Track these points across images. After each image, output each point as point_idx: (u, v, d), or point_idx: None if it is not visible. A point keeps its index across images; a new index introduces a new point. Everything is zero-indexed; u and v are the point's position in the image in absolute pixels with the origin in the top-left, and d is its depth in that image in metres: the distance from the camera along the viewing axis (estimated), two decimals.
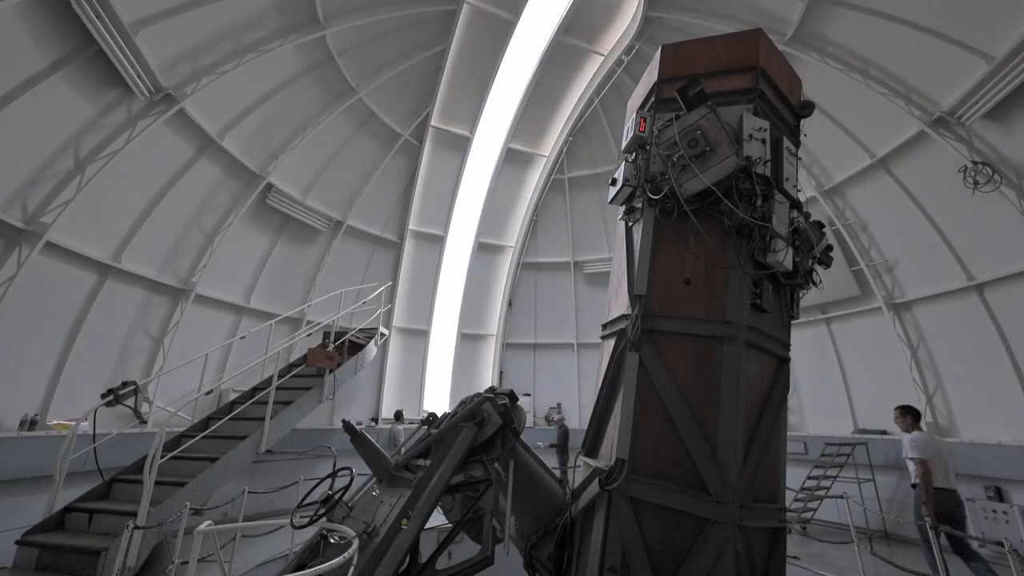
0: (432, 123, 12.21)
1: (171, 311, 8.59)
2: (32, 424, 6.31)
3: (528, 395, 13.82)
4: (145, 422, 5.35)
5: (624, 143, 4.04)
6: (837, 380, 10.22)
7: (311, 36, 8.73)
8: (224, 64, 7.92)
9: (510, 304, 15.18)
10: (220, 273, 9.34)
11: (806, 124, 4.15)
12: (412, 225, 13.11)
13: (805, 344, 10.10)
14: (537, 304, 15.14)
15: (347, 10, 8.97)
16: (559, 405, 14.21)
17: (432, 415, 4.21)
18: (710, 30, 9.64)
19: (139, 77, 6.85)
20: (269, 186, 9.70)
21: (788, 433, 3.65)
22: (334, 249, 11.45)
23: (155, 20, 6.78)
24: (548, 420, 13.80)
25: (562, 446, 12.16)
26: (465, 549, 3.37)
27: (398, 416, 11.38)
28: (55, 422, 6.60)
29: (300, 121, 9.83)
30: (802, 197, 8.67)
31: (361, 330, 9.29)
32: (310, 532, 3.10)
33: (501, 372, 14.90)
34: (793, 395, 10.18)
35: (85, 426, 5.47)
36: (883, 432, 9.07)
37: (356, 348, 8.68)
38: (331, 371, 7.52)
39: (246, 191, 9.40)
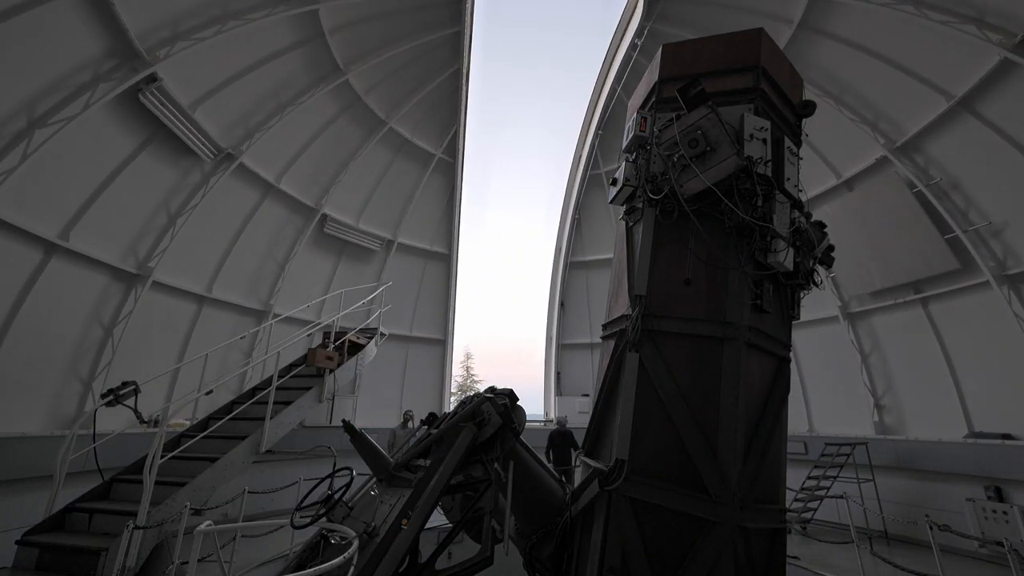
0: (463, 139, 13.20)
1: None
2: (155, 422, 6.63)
3: (586, 395, 13.41)
4: (145, 422, 5.34)
5: (625, 143, 4.03)
6: (942, 373, 8.62)
7: (337, 82, 10.06)
8: (269, 120, 9.42)
9: (562, 305, 14.96)
10: (294, 295, 10.86)
11: (809, 121, 4.14)
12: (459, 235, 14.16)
13: (896, 330, 9.30)
14: (590, 303, 14.78)
15: (361, 53, 10.23)
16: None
17: (432, 415, 4.20)
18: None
19: (203, 144, 8.33)
20: (325, 216, 11.30)
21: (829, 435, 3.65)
22: (388, 265, 12.92)
23: (207, 98, 8.22)
24: None
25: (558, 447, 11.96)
26: (465, 549, 3.37)
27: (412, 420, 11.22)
28: (173, 421, 7.31)
29: (344, 156, 11.29)
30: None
31: (361, 330, 9.27)
32: (310, 532, 3.10)
33: (558, 373, 14.70)
34: (887, 393, 9.57)
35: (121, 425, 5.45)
36: (1007, 437, 7.53)
37: (356, 348, 8.67)
38: (331, 371, 7.52)
39: (306, 223, 11.09)
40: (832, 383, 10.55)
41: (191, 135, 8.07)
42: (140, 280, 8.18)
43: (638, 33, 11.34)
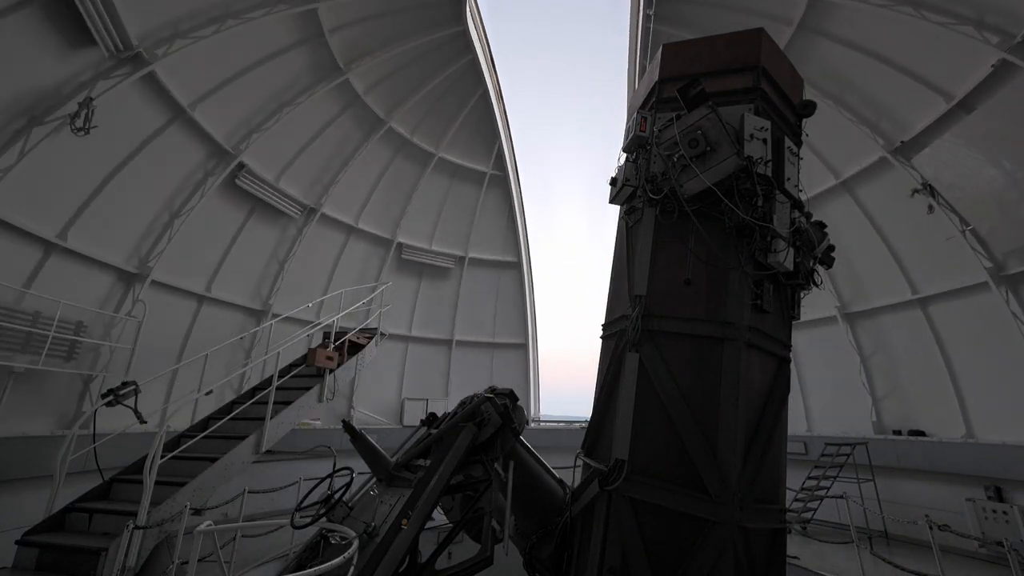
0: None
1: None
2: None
3: None
4: (145, 422, 5.34)
5: (624, 142, 4.03)
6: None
7: (382, 130, 11.51)
8: (340, 173, 11.33)
9: None
10: (388, 316, 11.71)
11: (811, 120, 4.13)
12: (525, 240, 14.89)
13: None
14: None
15: (399, 98, 11.48)
16: None
17: (432, 415, 4.19)
18: None
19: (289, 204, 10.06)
20: (400, 244, 12.92)
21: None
22: (465, 279, 14.02)
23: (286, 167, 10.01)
24: None
25: None
26: (465, 549, 3.37)
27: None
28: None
29: (407, 188, 12.78)
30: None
31: (362, 330, 9.27)
32: (310, 532, 3.10)
33: None
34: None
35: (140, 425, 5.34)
36: None
37: (357, 348, 8.67)
38: (331, 371, 7.52)
39: (387, 253, 12.80)
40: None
41: (280, 199, 10.00)
42: (140, 279, 8.18)
43: (648, 3, 10.55)
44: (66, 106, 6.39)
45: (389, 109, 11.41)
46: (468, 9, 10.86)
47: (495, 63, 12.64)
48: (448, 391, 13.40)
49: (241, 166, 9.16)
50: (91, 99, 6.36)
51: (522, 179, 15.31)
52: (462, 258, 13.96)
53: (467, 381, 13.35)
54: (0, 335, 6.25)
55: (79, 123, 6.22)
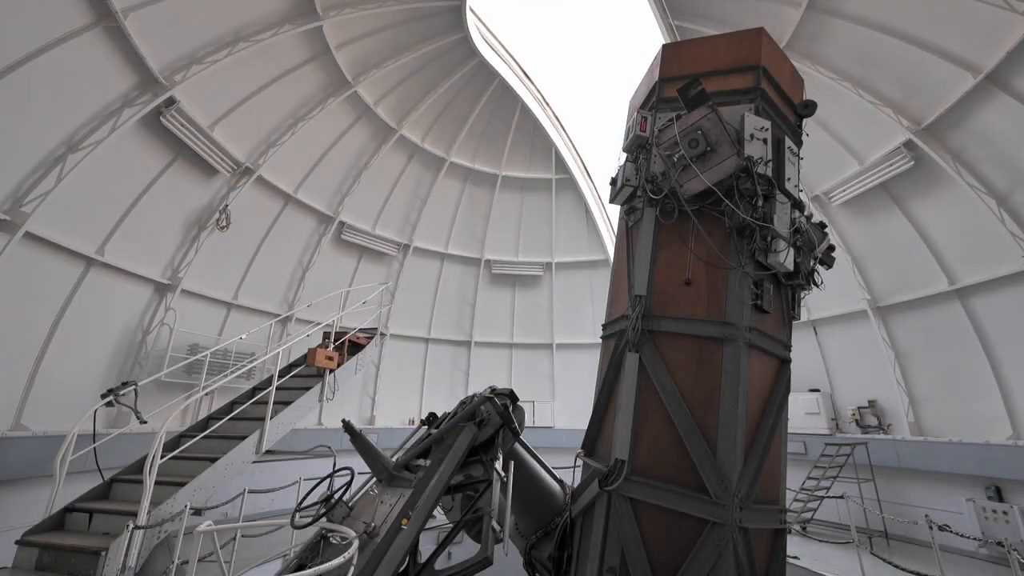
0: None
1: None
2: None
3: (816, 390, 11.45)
4: (145, 422, 5.34)
5: (625, 142, 4.03)
6: None
7: (444, 168, 12.87)
8: (421, 211, 13.11)
9: None
10: (488, 325, 14.30)
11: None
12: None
13: None
14: None
15: (452, 134, 12.67)
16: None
17: (432, 415, 4.19)
18: None
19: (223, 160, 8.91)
20: (488, 261, 14.17)
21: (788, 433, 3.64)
22: (555, 284, 14.65)
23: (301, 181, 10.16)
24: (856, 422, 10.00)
25: None
26: (465, 549, 3.37)
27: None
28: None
29: (484, 210, 14.03)
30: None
31: (362, 330, 9.28)
32: (310, 532, 3.10)
33: None
34: None
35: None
36: None
37: (357, 348, 8.67)
38: (331, 371, 7.52)
39: (478, 269, 14.09)
40: None
41: (214, 155, 8.80)
42: (171, 288, 8.65)
43: None
44: (97, 132, 6.91)
45: (448, 146, 12.82)
46: (470, 29, 10.94)
47: (527, 74, 13.18)
48: (554, 393, 14.03)
49: (171, 102, 7.78)
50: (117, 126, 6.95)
51: (599, 171, 15.81)
52: (548, 264, 14.68)
53: (571, 382, 13.91)
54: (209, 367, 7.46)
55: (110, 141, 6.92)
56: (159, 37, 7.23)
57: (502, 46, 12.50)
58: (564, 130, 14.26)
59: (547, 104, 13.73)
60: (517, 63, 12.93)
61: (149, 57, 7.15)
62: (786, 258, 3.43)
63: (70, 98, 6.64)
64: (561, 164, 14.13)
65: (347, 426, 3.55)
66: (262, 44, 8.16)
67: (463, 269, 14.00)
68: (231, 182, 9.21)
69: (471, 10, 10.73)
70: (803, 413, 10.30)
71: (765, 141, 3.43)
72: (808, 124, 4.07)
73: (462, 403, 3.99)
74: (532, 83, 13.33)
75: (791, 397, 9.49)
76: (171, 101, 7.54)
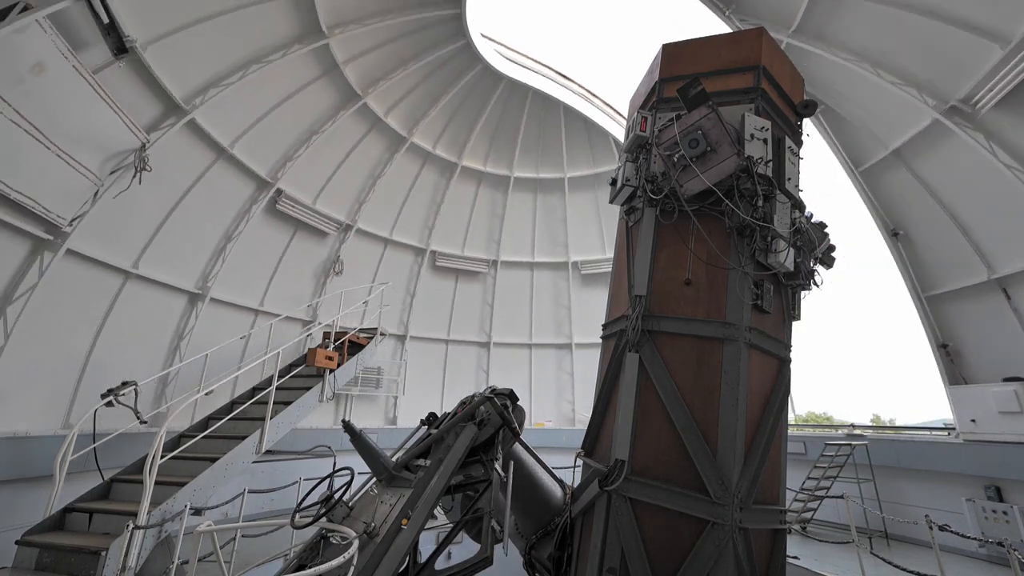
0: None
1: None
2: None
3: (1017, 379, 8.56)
4: (145, 422, 5.34)
5: (625, 142, 4.03)
6: None
7: (510, 184, 13.37)
8: (500, 231, 13.80)
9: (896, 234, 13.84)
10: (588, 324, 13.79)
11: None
12: None
13: None
14: None
15: (508, 146, 13.03)
16: None
17: (432, 415, 4.19)
18: None
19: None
20: (576, 263, 14.15)
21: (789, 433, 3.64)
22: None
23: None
24: None
25: None
26: (465, 549, 3.37)
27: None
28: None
29: (559, 214, 14.06)
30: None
31: (362, 330, 9.28)
32: (310, 532, 3.09)
33: (944, 346, 12.70)
34: None
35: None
36: None
37: (357, 348, 8.68)
38: (331, 371, 7.52)
39: (568, 273, 14.09)
40: None
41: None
42: (200, 297, 8.78)
43: None
44: (127, 156, 6.85)
45: (509, 161, 13.28)
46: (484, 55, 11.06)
47: (564, 75, 13.01)
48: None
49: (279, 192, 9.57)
50: (145, 147, 6.96)
51: None
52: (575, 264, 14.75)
53: None
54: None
55: (137, 165, 7.00)
56: (176, 63, 7.32)
57: (530, 59, 12.55)
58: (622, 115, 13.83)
59: (594, 96, 13.32)
60: (550, 67, 12.82)
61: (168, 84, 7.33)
62: (786, 258, 3.43)
63: None
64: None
65: (347, 426, 3.54)
66: (272, 64, 8.40)
67: (554, 274, 14.39)
68: (255, 196, 9.46)
69: (487, 37, 10.93)
70: (995, 412, 7.44)
71: (765, 141, 3.43)
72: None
73: (462, 403, 3.99)
74: (573, 82, 13.08)
75: (969, 391, 7.83)
76: (193, 123, 7.82)
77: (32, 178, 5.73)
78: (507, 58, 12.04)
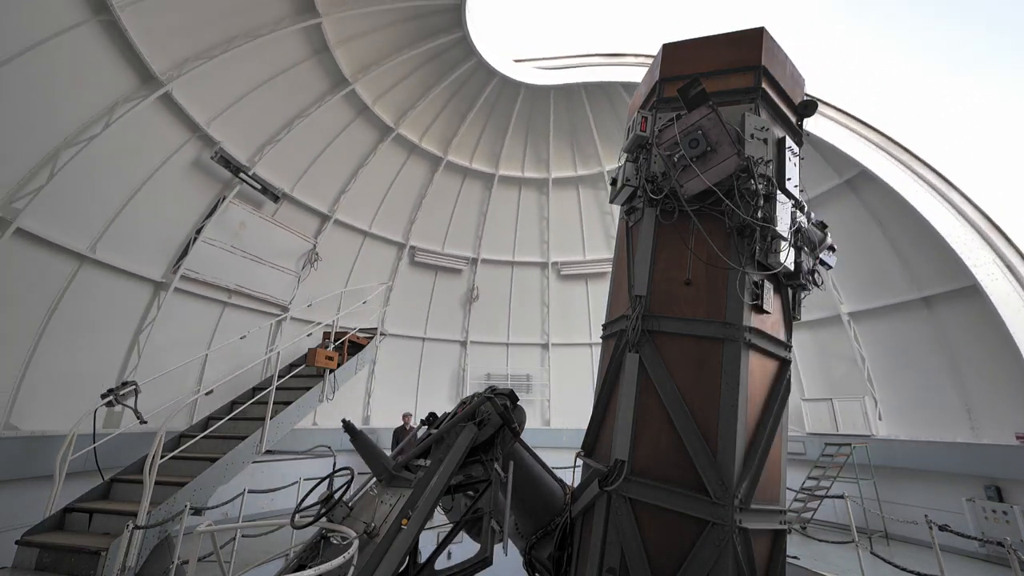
0: None
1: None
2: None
3: None
4: (145, 422, 5.34)
5: (625, 142, 4.03)
6: None
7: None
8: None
9: None
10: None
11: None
12: None
13: None
14: None
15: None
16: None
17: (432, 415, 4.19)
18: None
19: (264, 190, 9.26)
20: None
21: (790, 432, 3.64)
22: None
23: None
24: None
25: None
26: (465, 549, 3.37)
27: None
28: None
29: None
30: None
31: (362, 330, 9.29)
32: (310, 532, 3.09)
33: None
34: None
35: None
36: None
37: (357, 348, 8.68)
38: (331, 371, 7.53)
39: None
40: None
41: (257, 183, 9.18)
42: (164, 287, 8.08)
43: None
44: (90, 128, 6.48)
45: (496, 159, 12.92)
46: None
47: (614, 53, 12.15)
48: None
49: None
50: (315, 247, 7.70)
51: None
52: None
53: None
54: None
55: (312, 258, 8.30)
56: (158, 33, 6.88)
57: (563, 57, 12.19)
58: None
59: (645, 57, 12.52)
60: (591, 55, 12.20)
61: (147, 54, 6.87)
62: (786, 258, 3.43)
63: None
64: None
65: (347, 426, 3.55)
66: (260, 40, 7.93)
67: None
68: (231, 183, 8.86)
69: (519, 61, 11.10)
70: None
71: (765, 141, 3.43)
72: None
73: (462, 403, 3.99)
74: (624, 55, 12.13)
75: None
76: (167, 97, 7.23)
77: (263, 281, 9.33)
78: (545, 68, 11.96)
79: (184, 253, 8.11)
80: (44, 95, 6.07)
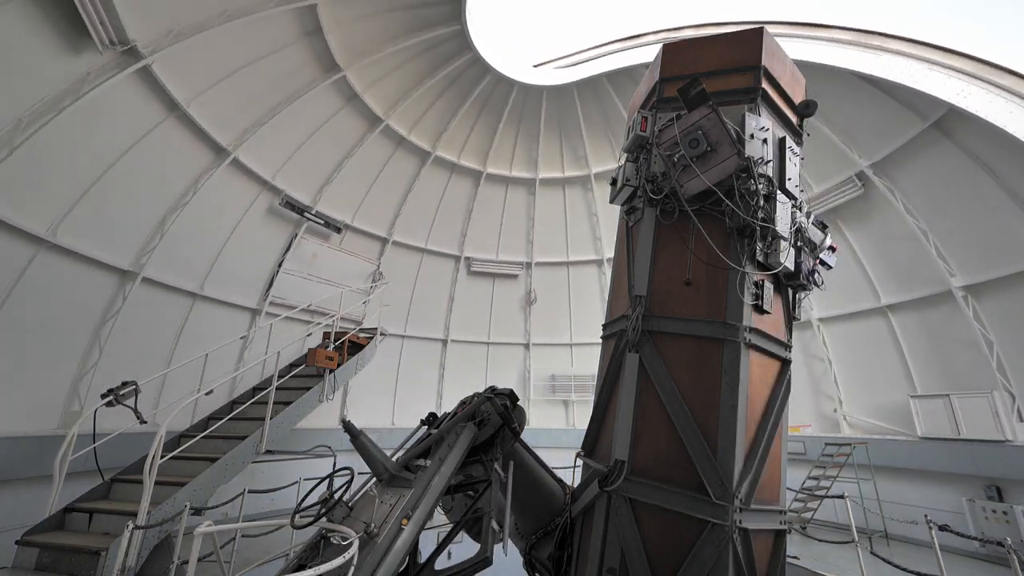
0: None
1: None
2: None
3: None
4: (145, 422, 5.34)
5: (625, 142, 4.03)
6: None
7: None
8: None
9: None
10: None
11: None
12: None
13: None
14: None
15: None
16: None
17: (432, 415, 4.19)
18: None
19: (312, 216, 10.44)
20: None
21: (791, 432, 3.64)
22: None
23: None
24: None
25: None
26: (465, 549, 3.37)
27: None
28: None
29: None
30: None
31: (362, 329, 9.29)
32: (310, 532, 3.09)
33: None
34: None
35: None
36: None
37: (357, 348, 8.68)
38: (331, 371, 7.52)
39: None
40: None
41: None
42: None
43: None
44: (185, 196, 7.82)
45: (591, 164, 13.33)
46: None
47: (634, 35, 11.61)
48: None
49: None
50: (378, 267, 8.04)
51: None
52: None
53: None
54: None
55: (376, 277, 8.94)
56: (219, 114, 8.04)
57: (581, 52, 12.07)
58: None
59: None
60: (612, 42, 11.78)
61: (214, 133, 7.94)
62: (787, 258, 3.43)
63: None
64: None
65: (347, 426, 3.54)
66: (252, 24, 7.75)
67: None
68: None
69: (538, 65, 11.26)
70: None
71: (765, 141, 3.43)
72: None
73: (462, 403, 3.99)
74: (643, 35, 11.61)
75: None
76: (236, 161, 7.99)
77: (337, 300, 9.45)
78: (565, 67, 11.94)
79: (271, 284, 9.82)
80: (150, 178, 7.70)
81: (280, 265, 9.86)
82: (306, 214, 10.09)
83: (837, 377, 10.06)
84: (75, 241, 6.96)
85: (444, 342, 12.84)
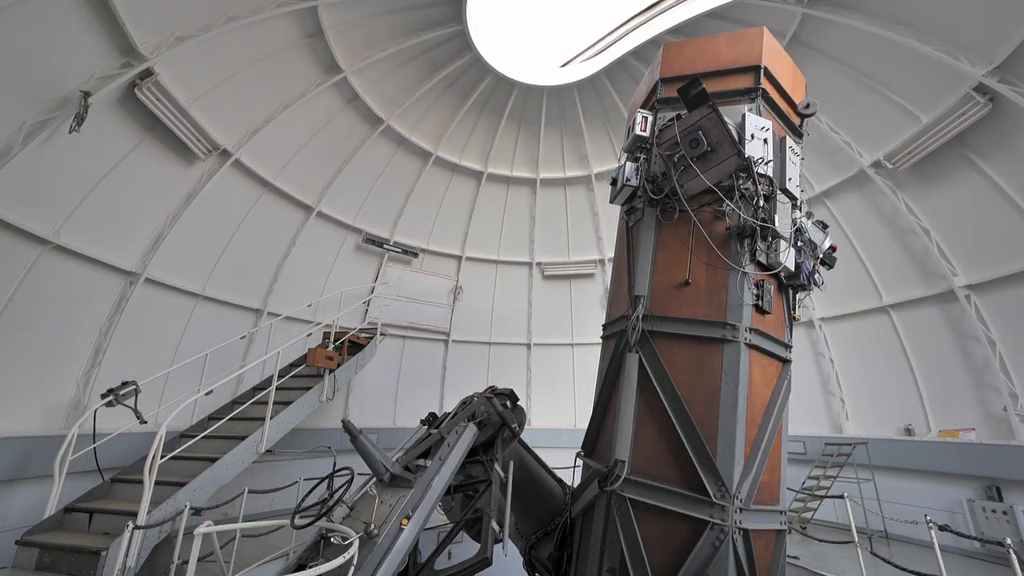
0: None
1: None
2: None
3: None
4: (145, 422, 5.34)
5: (625, 142, 4.03)
6: None
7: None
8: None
9: None
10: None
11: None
12: None
13: None
14: None
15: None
16: None
17: (432, 415, 4.19)
18: None
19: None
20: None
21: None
22: None
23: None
24: None
25: None
26: (465, 549, 3.37)
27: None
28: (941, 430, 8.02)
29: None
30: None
31: (362, 330, 9.29)
32: (310, 532, 3.09)
33: None
34: None
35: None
36: None
37: (357, 348, 8.68)
38: (331, 371, 7.52)
39: None
40: None
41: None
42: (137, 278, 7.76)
43: None
44: (290, 248, 9.41)
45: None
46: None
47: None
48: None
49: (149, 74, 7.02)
50: (88, 94, 6.29)
51: None
52: None
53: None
54: None
55: (74, 124, 6.21)
56: (299, 179, 9.39)
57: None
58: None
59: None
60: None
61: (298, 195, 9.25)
62: (787, 258, 3.42)
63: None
64: None
65: (347, 426, 3.54)
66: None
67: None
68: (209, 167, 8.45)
69: (565, 65, 11.00)
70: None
71: (766, 141, 3.42)
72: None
73: (462, 403, 3.98)
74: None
75: None
76: (149, 73, 6.75)
77: (425, 316, 12.07)
78: (589, 60, 11.63)
79: (367, 307, 11.29)
80: (264, 240, 9.47)
81: (373, 291, 11.52)
82: (385, 246, 11.73)
83: (840, 377, 10.01)
84: (217, 291, 8.71)
85: (528, 346, 13.33)
